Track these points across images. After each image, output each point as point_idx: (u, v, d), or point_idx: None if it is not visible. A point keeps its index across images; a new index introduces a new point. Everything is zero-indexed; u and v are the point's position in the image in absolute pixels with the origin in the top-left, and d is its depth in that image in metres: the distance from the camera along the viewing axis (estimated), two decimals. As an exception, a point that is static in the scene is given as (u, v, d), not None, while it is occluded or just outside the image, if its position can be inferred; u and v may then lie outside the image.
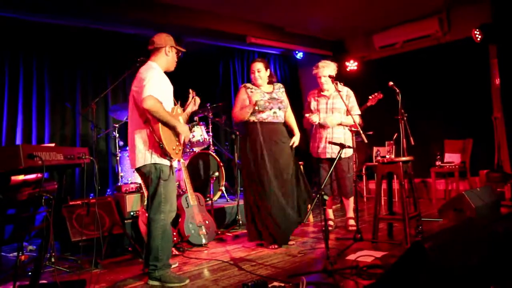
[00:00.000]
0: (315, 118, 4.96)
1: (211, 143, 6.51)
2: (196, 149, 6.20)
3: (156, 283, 3.49)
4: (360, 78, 7.92)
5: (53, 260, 4.12)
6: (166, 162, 3.53)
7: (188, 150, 6.16)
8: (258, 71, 4.57)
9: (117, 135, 5.83)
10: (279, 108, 4.56)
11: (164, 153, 3.47)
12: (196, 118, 6.47)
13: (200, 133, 6.20)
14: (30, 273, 3.63)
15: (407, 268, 2.49)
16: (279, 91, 4.66)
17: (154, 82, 3.43)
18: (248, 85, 4.66)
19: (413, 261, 2.49)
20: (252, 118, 4.53)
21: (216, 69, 8.62)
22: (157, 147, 3.45)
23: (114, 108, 5.96)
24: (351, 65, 8.39)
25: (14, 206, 3.07)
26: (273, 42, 7.84)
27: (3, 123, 5.82)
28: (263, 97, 4.49)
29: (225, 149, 7.41)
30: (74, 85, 6.58)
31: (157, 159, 3.50)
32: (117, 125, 5.82)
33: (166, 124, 3.45)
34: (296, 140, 4.64)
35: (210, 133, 6.53)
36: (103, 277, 3.77)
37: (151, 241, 3.51)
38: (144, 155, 3.50)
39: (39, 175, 3.13)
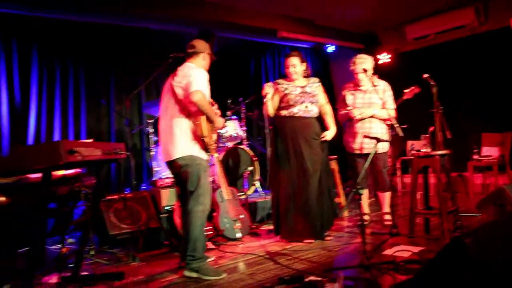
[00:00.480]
0: (356, 112, 4.84)
1: (244, 137, 6.52)
2: (229, 144, 6.23)
3: (193, 274, 3.54)
4: (393, 71, 7.80)
5: (92, 253, 4.22)
6: (204, 155, 3.67)
7: (221, 145, 6.20)
8: (294, 66, 4.54)
9: (151, 130, 5.91)
10: (311, 102, 4.53)
11: (204, 147, 3.61)
12: (228, 112, 6.51)
13: (233, 127, 6.23)
14: (71, 265, 3.73)
15: (446, 264, 2.46)
16: (314, 85, 4.61)
17: (201, 79, 3.60)
18: (279, 80, 4.65)
19: (453, 257, 2.46)
20: (284, 112, 4.53)
21: (247, 64, 8.61)
22: (199, 140, 3.60)
23: (148, 105, 6.03)
24: (384, 58, 8.27)
25: (54, 201, 3.15)
26: (304, 35, 7.81)
27: (41, 120, 5.97)
28: (294, 91, 4.48)
29: (258, 144, 7.43)
30: (108, 82, 6.69)
31: (197, 152, 3.63)
32: (151, 121, 5.91)
33: (208, 118, 3.63)
34: (328, 134, 4.59)
35: (243, 128, 6.55)
36: (141, 270, 3.85)
37: (190, 232, 3.58)
38: (184, 147, 3.61)
39: (78, 170, 3.22)
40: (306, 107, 4.51)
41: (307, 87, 4.57)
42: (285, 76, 4.66)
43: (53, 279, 3.60)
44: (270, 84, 4.59)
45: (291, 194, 4.42)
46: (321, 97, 4.68)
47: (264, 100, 4.50)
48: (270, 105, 4.54)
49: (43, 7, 5.47)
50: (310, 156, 4.44)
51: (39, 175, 2.59)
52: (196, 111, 3.60)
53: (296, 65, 4.54)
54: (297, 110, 4.49)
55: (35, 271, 2.58)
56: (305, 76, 4.63)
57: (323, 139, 4.56)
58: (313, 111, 4.58)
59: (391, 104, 4.95)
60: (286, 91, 4.51)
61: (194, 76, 3.59)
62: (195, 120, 3.61)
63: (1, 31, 5.66)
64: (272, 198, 4.66)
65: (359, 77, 4.89)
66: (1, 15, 5.53)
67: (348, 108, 4.91)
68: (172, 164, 3.73)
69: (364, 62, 4.85)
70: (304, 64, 4.60)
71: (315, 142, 4.51)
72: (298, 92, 4.50)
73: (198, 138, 3.62)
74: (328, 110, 4.73)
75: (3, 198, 2.46)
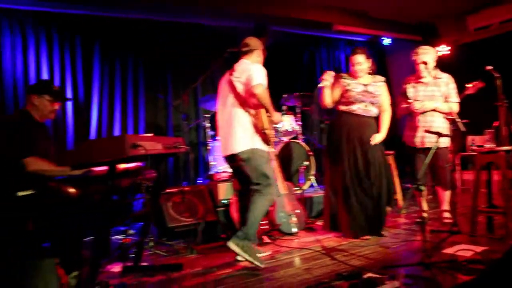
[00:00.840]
0: (417, 105, 4.69)
1: (300, 132, 6.50)
2: (285, 139, 6.23)
3: (236, 248, 3.61)
4: (452, 63, 7.50)
5: (151, 244, 4.36)
6: (265, 147, 3.76)
7: (277, 140, 6.21)
8: (359, 64, 4.42)
9: (208, 125, 6.01)
10: (372, 103, 4.42)
11: (265, 139, 3.70)
12: (284, 107, 6.51)
13: (289, 122, 6.22)
14: (132, 255, 3.87)
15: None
16: (377, 85, 4.48)
17: (261, 73, 3.68)
18: (344, 75, 4.55)
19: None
20: (342, 107, 4.47)
21: (301, 58, 8.57)
22: (260, 133, 3.68)
23: (204, 99, 6.12)
24: (443, 50, 8.00)
25: (118, 193, 3.27)
26: (359, 28, 7.69)
27: (103, 114, 6.20)
28: (356, 89, 4.39)
29: (313, 138, 7.39)
30: (165, 77, 6.85)
31: (258, 145, 3.72)
32: (207, 115, 6.00)
33: (268, 111, 3.72)
34: (377, 138, 4.42)
35: (298, 122, 6.53)
36: (198, 262, 3.91)
37: (250, 217, 3.67)
38: (245, 141, 3.69)
39: (139, 163, 3.32)
40: (366, 106, 4.41)
41: (370, 85, 4.44)
42: (338, 70, 4.60)
43: (116, 268, 3.76)
44: (331, 73, 4.48)
45: (346, 191, 4.35)
46: (384, 99, 4.53)
47: (320, 85, 4.45)
48: (328, 94, 4.46)
49: (105, 6, 5.69)
50: (366, 154, 4.35)
51: (103, 168, 2.70)
52: (256, 105, 3.70)
53: (361, 63, 4.41)
54: (356, 108, 4.41)
55: (101, 260, 2.69)
56: (370, 73, 4.52)
57: (371, 142, 4.41)
58: (372, 111, 4.47)
59: (455, 98, 4.78)
60: (348, 87, 4.42)
61: (254, 71, 3.66)
62: (256, 113, 3.69)
63: (66, 30, 5.94)
64: (326, 193, 4.62)
65: (420, 69, 4.73)
66: (67, 16, 5.80)
67: (410, 100, 4.76)
68: (232, 158, 3.80)
69: (425, 53, 4.68)
70: (369, 60, 4.48)
71: (366, 141, 4.40)
72: (360, 90, 4.40)
73: (259, 131, 3.71)
74: (386, 116, 4.57)
75: (73, 190, 2.57)
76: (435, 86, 4.71)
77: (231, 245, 3.63)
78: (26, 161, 2.93)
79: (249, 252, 3.62)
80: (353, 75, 4.50)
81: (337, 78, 4.51)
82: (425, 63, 4.61)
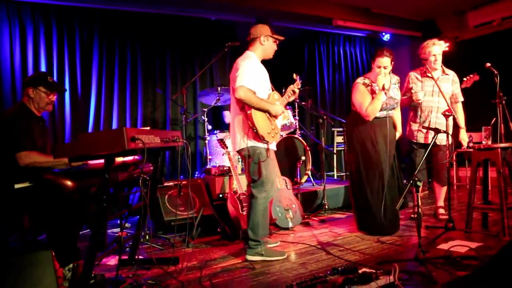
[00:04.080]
0: (420, 95, 4.64)
1: (297, 127, 6.52)
2: (283, 133, 6.23)
3: (257, 258, 3.67)
4: (453, 60, 7.46)
5: (147, 237, 4.39)
6: (262, 145, 3.71)
7: (281, 136, 6.20)
8: (385, 68, 4.23)
9: (206, 119, 6.01)
10: (393, 108, 4.37)
11: (258, 137, 3.63)
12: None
13: (287, 117, 6.22)
14: (128, 249, 3.88)
15: (509, 262, 2.38)
16: (395, 87, 4.38)
17: (247, 72, 3.60)
18: (366, 80, 4.36)
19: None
20: None
21: (301, 53, 8.56)
22: (252, 131, 3.63)
23: (203, 93, 6.12)
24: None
25: (115, 186, 3.27)
26: (360, 24, 7.66)
27: (101, 108, 6.20)
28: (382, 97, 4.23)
29: (311, 133, 7.39)
30: (164, 70, 6.84)
31: (253, 143, 3.68)
32: (205, 110, 6.00)
33: (259, 109, 3.63)
34: (397, 137, 4.47)
35: (297, 117, 6.54)
36: (194, 256, 3.92)
37: (253, 218, 3.71)
38: (242, 139, 3.69)
39: (136, 157, 3.32)
40: (388, 112, 4.34)
41: (391, 90, 4.32)
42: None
43: (112, 261, 3.77)
44: (367, 80, 4.35)
45: (373, 191, 4.29)
46: (399, 98, 4.45)
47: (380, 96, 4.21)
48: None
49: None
50: (386, 153, 4.29)
51: (101, 161, 2.70)
52: (245, 104, 3.64)
53: (387, 67, 4.25)
54: (379, 115, 4.28)
55: (96, 253, 2.69)
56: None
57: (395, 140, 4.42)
58: (392, 114, 4.43)
59: (461, 97, 4.82)
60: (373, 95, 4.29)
61: (241, 70, 3.60)
62: (246, 111, 3.63)
63: (65, 21, 5.93)
64: (359, 193, 4.43)
65: (431, 59, 4.67)
66: (65, 7, 5.81)
67: (412, 91, 4.73)
68: (239, 155, 3.87)
69: (439, 45, 4.67)
70: (393, 62, 4.32)
71: (391, 140, 4.36)
72: (385, 98, 4.24)
73: (252, 129, 3.65)
74: (398, 113, 4.57)
75: (70, 183, 2.58)
76: (442, 83, 4.71)
77: (249, 258, 3.69)
78: (19, 155, 2.95)
79: (270, 254, 3.71)
80: (374, 76, 4.33)
81: (363, 87, 4.35)
82: (424, 58, 4.61)
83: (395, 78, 4.44)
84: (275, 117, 3.78)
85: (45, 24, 5.77)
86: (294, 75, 4.05)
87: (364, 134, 4.35)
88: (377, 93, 4.20)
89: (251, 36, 3.83)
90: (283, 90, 6.21)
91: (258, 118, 3.62)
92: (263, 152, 3.71)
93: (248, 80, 3.57)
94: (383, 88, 4.14)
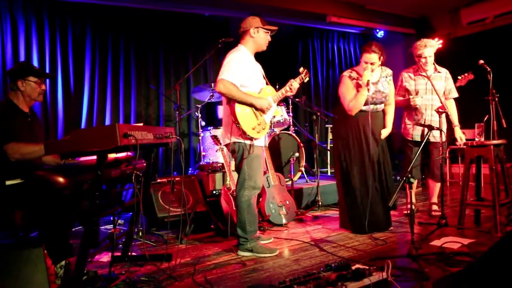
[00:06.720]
0: (418, 101, 4.69)
1: (291, 123, 6.51)
2: (277, 130, 6.22)
3: (247, 253, 3.70)
4: (446, 57, 7.47)
5: (140, 234, 4.37)
6: (246, 141, 3.65)
7: (269, 131, 6.18)
8: (372, 64, 4.12)
9: (199, 115, 5.98)
10: (381, 102, 4.28)
11: (242, 132, 3.58)
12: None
13: (280, 113, 6.21)
14: (121, 246, 3.86)
15: (501, 258, 2.38)
16: (385, 81, 4.29)
17: (230, 66, 3.57)
18: (353, 74, 4.30)
19: (507, 252, 2.38)
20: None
21: (295, 49, 8.54)
22: (235, 126, 3.58)
23: (196, 89, 6.10)
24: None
25: (107, 183, 3.24)
26: (354, 20, 7.67)
27: (94, 104, 6.16)
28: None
29: (305, 130, 7.39)
30: (157, 66, 6.80)
31: (237, 138, 3.65)
32: (199, 106, 5.97)
33: (242, 103, 3.57)
34: (384, 133, 4.34)
35: (290, 114, 6.53)
36: (187, 252, 3.91)
37: (239, 215, 3.73)
38: (227, 134, 3.68)
39: (129, 153, 3.30)
40: (376, 106, 4.26)
41: (380, 83, 4.25)
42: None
43: (105, 258, 3.75)
44: (353, 73, 4.30)
45: (367, 188, 4.21)
46: (391, 95, 4.36)
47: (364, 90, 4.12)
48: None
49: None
50: (373, 150, 4.24)
51: (94, 157, 2.68)
52: (228, 98, 3.61)
53: (375, 63, 4.13)
54: (366, 108, 4.19)
55: (89, 250, 2.68)
56: (380, 65, 4.27)
57: (381, 137, 4.34)
58: (381, 108, 4.34)
59: (455, 94, 4.83)
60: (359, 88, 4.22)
61: (225, 63, 3.59)
62: (230, 106, 3.60)
63: (57, 16, 5.88)
64: (343, 192, 4.37)
65: (424, 61, 4.69)
66: (58, 1, 5.74)
67: (410, 97, 4.76)
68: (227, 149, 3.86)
69: (431, 46, 4.69)
70: (381, 58, 4.18)
71: (378, 136, 4.31)
72: (372, 92, 4.16)
73: (235, 124, 3.59)
74: (391, 110, 4.43)
75: (61, 179, 2.55)
76: (435, 80, 4.72)
77: (241, 253, 3.73)
78: (6, 147, 2.86)
79: (259, 251, 3.71)
80: (361, 69, 4.24)
81: (348, 79, 4.31)
82: (418, 56, 4.62)
83: (387, 71, 4.35)
84: (262, 111, 3.69)
85: (37, 18, 5.71)
86: (301, 68, 3.97)
87: (348, 128, 4.31)
88: (361, 89, 4.15)
89: (242, 29, 3.79)
90: (277, 87, 6.25)
91: (242, 113, 3.57)
92: (247, 148, 3.64)
93: (230, 74, 3.53)
94: (367, 84, 4.05)
